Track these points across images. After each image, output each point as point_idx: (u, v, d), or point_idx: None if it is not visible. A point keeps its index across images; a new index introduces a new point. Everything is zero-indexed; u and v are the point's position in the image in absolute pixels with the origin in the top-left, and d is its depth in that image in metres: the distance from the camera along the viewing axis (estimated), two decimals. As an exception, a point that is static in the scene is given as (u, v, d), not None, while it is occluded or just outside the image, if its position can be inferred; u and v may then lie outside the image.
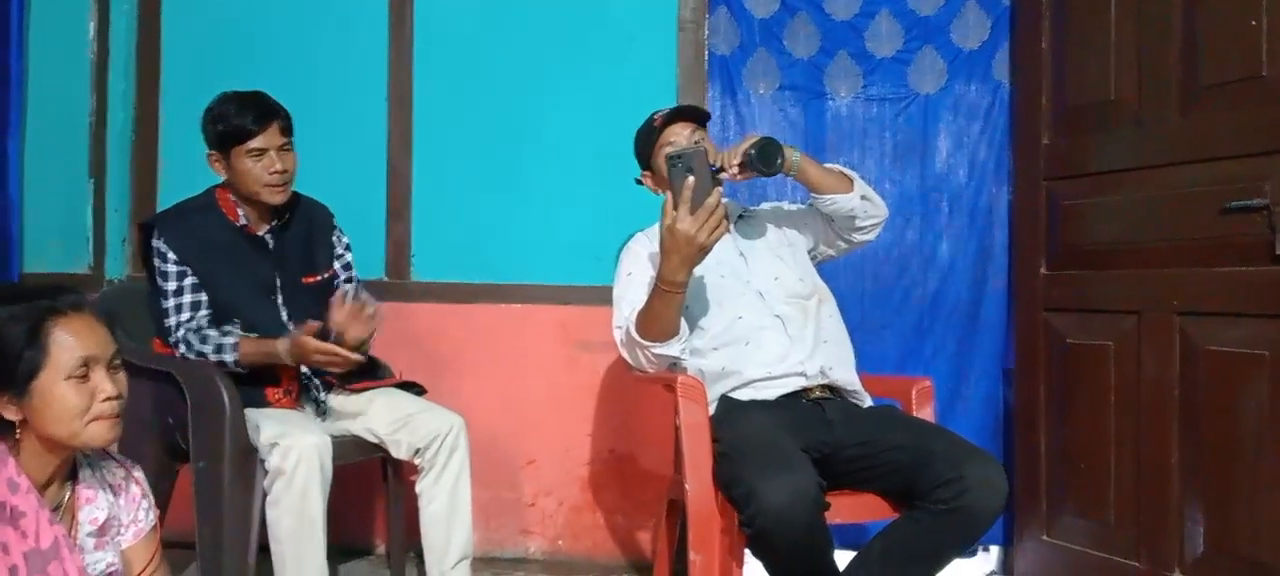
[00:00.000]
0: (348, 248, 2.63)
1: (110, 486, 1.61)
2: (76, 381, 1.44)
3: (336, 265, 2.58)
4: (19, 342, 1.42)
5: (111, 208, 3.26)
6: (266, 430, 2.20)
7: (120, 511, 1.60)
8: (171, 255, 2.34)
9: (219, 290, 2.36)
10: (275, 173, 2.34)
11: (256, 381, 2.35)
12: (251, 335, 2.33)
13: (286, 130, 2.38)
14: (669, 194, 1.90)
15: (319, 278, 2.51)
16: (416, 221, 3.23)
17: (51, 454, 1.48)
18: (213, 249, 2.37)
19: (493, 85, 3.21)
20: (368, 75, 3.22)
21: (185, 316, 2.34)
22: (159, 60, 3.31)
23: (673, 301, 2.00)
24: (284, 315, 2.41)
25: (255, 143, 2.32)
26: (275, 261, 2.44)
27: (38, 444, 1.46)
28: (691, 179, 1.87)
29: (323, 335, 2.27)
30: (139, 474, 1.68)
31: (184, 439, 2.28)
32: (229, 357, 2.28)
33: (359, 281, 2.62)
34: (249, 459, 2.23)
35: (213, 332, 2.31)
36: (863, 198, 2.29)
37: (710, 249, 1.92)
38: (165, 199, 3.29)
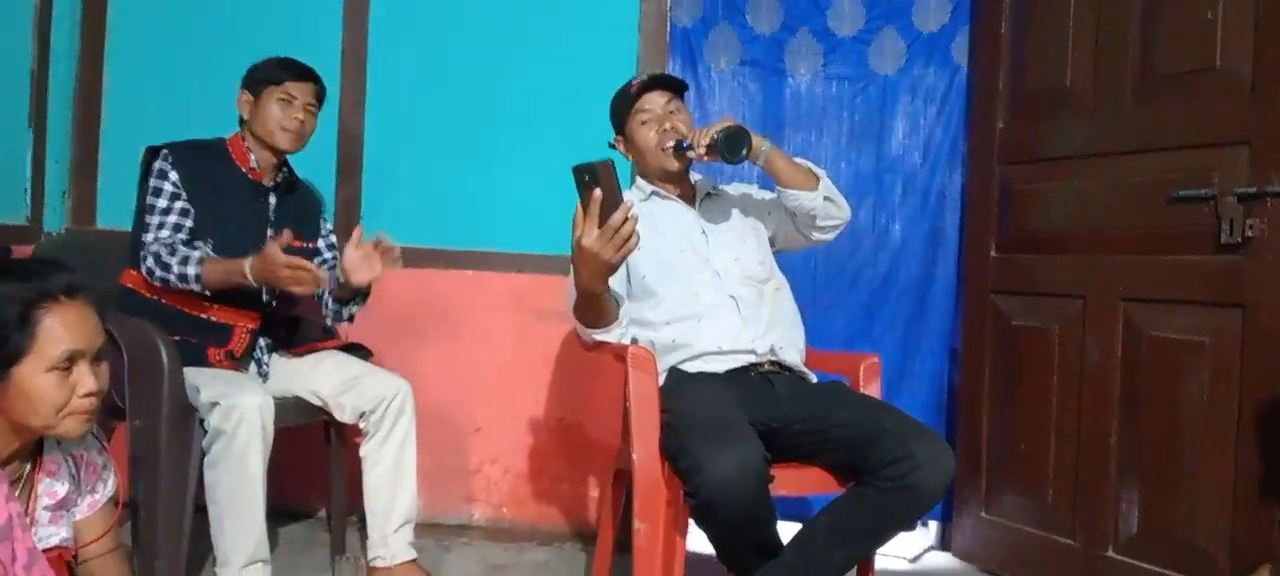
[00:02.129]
0: (331, 232, 2.66)
1: (74, 459, 1.57)
2: (59, 373, 1.39)
3: (320, 242, 2.59)
4: (8, 325, 1.37)
5: (51, 159, 3.16)
6: (207, 390, 2.16)
7: (81, 484, 1.56)
8: (173, 176, 2.34)
9: (213, 228, 2.35)
10: (294, 120, 2.40)
11: (203, 335, 2.32)
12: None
13: (319, 97, 2.48)
14: (578, 207, 1.80)
15: (304, 244, 2.49)
16: (367, 183, 3.18)
17: (17, 435, 1.44)
18: (218, 188, 2.38)
19: (450, 47, 3.16)
20: (321, 32, 3.15)
21: (164, 234, 2.31)
22: (105, 12, 3.21)
23: (595, 303, 1.99)
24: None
25: (290, 87, 2.41)
26: (274, 217, 2.45)
27: (5, 423, 1.42)
28: (598, 193, 1.75)
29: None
30: (104, 445, 1.64)
31: (120, 396, 2.23)
32: (192, 270, 2.24)
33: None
34: (187, 418, 2.18)
35: (181, 248, 2.29)
36: (826, 198, 2.28)
37: (619, 265, 1.84)
38: (108, 151, 3.22)
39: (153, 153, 2.40)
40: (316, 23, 3.16)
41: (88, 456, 1.60)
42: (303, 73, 2.44)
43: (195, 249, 2.30)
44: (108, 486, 1.64)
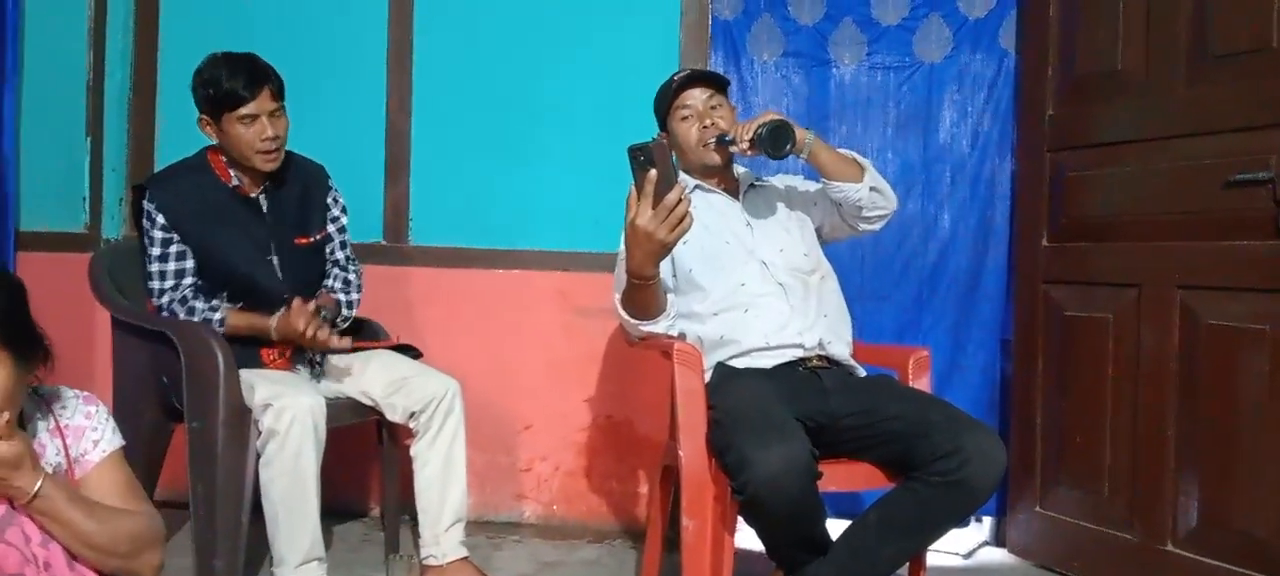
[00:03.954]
0: (344, 210, 2.60)
1: (56, 428, 1.52)
2: None
3: (330, 227, 2.56)
4: None
5: (108, 167, 3.24)
6: (261, 391, 2.20)
7: (71, 447, 1.51)
8: (160, 219, 2.32)
9: (214, 251, 2.35)
10: (267, 139, 2.29)
11: (252, 340, 2.35)
12: (238, 306, 2.34)
13: (278, 94, 2.33)
14: (632, 187, 1.81)
15: (312, 239, 2.49)
16: (415, 184, 3.21)
17: None
18: (205, 211, 2.35)
19: (494, 46, 3.18)
20: (367, 34, 3.19)
21: (169, 284, 2.33)
22: (157, 18, 3.28)
23: (645, 290, 1.98)
24: (280, 275, 2.40)
25: (247, 109, 2.27)
26: (269, 222, 2.43)
27: None
28: (653, 173, 1.76)
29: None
30: (92, 405, 1.56)
31: (179, 398, 2.28)
32: (215, 323, 2.29)
33: (350, 245, 2.62)
34: (243, 419, 2.22)
35: (199, 304, 2.31)
36: (872, 188, 2.26)
37: (673, 245, 1.84)
38: (163, 159, 3.27)
39: (138, 192, 2.39)
40: (363, 24, 3.19)
41: (73, 422, 1.53)
42: (254, 79, 2.27)
43: (216, 310, 2.31)
44: (104, 439, 1.54)
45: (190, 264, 2.34)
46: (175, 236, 2.32)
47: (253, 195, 2.42)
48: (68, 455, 1.51)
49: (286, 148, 2.40)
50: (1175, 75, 2.46)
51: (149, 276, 2.35)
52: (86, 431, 1.54)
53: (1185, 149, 2.42)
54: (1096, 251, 2.65)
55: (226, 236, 2.36)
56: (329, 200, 2.57)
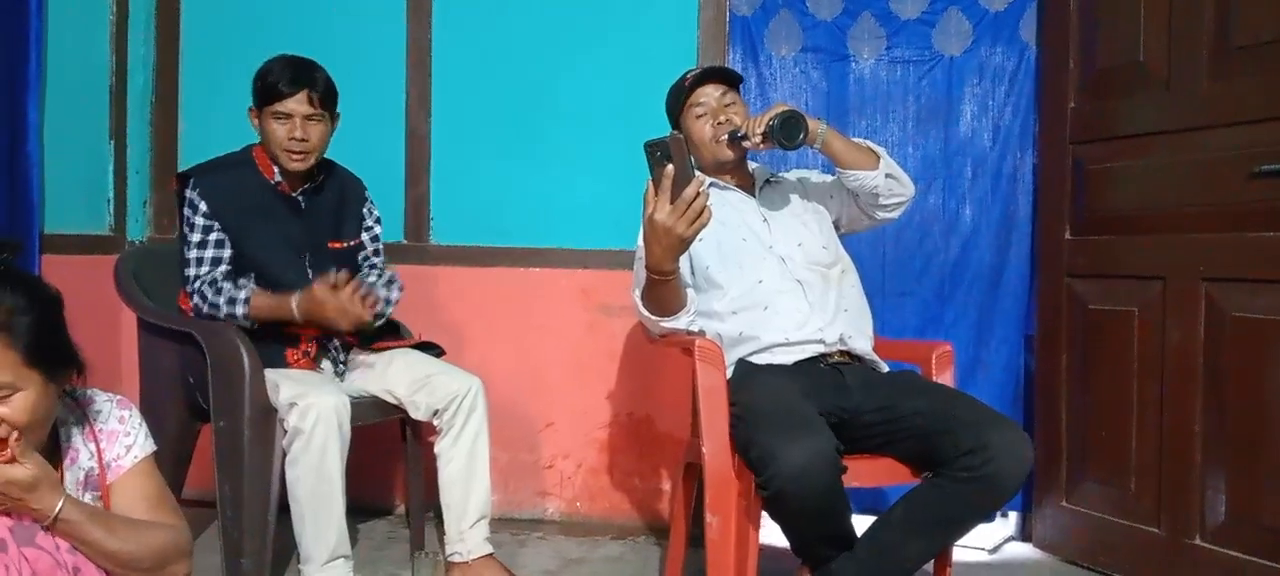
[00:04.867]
0: (378, 221, 2.64)
1: (91, 432, 1.53)
2: None
3: (364, 236, 2.60)
4: None
5: (132, 169, 3.27)
6: (285, 390, 2.21)
7: (104, 452, 1.53)
8: (202, 207, 2.36)
9: (248, 245, 2.38)
10: (295, 139, 2.34)
11: (276, 340, 2.37)
12: (266, 290, 2.35)
13: (321, 101, 2.37)
14: (649, 182, 1.81)
15: (345, 244, 2.52)
16: (435, 184, 3.22)
17: None
18: (246, 205, 2.40)
19: (512, 46, 3.19)
20: (385, 36, 3.20)
21: (204, 270, 2.35)
22: (178, 21, 3.31)
23: (665, 286, 1.98)
24: (310, 275, 2.41)
25: (283, 105, 2.34)
26: (305, 223, 2.46)
27: None
28: (670, 168, 1.76)
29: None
30: (126, 409, 1.57)
31: (205, 398, 2.29)
32: (240, 310, 2.29)
33: (384, 258, 2.65)
34: (268, 418, 2.24)
35: (227, 285, 2.33)
36: (888, 176, 2.26)
37: (692, 239, 1.83)
38: (185, 160, 3.30)
39: (182, 180, 2.43)
40: (382, 26, 3.21)
41: (107, 427, 1.55)
42: (296, 80, 2.34)
43: (241, 288, 2.32)
44: (137, 444, 1.56)
45: (227, 253, 2.37)
46: (216, 224, 2.36)
47: (293, 194, 2.45)
48: (101, 460, 1.53)
49: (330, 158, 2.47)
50: (1198, 66, 2.44)
51: (185, 262, 2.37)
52: (119, 436, 1.55)
53: (1209, 140, 2.41)
54: (1120, 245, 2.64)
55: (263, 231, 2.39)
56: (365, 210, 2.61)
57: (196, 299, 2.34)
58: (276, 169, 2.43)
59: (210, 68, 3.30)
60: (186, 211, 2.38)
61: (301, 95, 2.34)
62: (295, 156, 2.37)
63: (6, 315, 1.32)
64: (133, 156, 3.27)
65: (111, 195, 3.21)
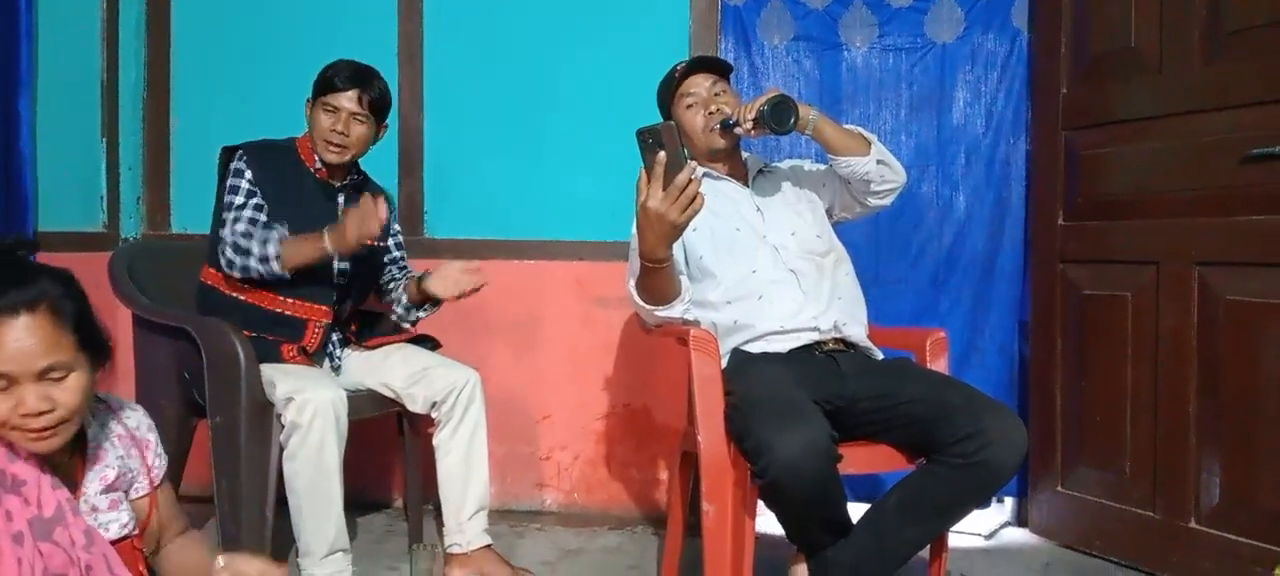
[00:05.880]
0: (399, 232, 2.71)
1: (119, 439, 1.54)
2: None
3: (390, 240, 2.65)
4: None
5: (125, 165, 3.26)
6: (282, 385, 2.22)
7: (133, 463, 1.54)
8: (248, 175, 2.40)
9: (282, 221, 2.39)
10: (336, 132, 2.40)
11: (274, 333, 2.37)
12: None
13: (371, 106, 2.43)
14: (642, 170, 1.81)
15: (374, 242, 2.52)
16: (428, 177, 3.22)
17: None
18: (288, 188, 2.44)
19: (504, 40, 3.18)
20: (377, 30, 3.20)
21: (241, 229, 2.35)
22: (169, 19, 3.30)
23: (659, 274, 1.97)
24: (336, 264, 2.43)
25: (334, 99, 2.40)
26: (340, 213, 2.46)
27: None
28: (662, 155, 1.76)
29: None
30: (149, 420, 1.60)
31: (201, 394, 2.30)
32: (272, 249, 2.29)
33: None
34: (265, 413, 2.24)
35: (258, 231, 2.34)
36: (879, 162, 2.26)
37: (684, 226, 1.83)
38: (178, 157, 3.31)
39: (229, 152, 2.47)
40: (373, 21, 3.20)
41: (146, 437, 1.56)
42: (351, 80, 2.41)
43: (272, 230, 2.34)
44: (163, 457, 1.59)
45: (262, 217, 2.39)
46: (258, 192, 2.40)
47: (334, 184, 2.50)
48: (148, 468, 1.57)
49: (366, 171, 2.59)
50: (1190, 51, 2.44)
51: (220, 223, 2.38)
52: (153, 445, 1.60)
53: (1202, 124, 2.41)
54: (1113, 230, 2.64)
55: (298, 213, 2.40)
56: (391, 219, 2.65)
57: (229, 252, 2.33)
58: (317, 158, 2.47)
59: (202, 63, 3.29)
60: (231, 179, 2.41)
61: (353, 94, 2.41)
62: (333, 148, 2.42)
63: (57, 299, 1.34)
64: (125, 153, 3.27)
65: (104, 192, 3.20)
